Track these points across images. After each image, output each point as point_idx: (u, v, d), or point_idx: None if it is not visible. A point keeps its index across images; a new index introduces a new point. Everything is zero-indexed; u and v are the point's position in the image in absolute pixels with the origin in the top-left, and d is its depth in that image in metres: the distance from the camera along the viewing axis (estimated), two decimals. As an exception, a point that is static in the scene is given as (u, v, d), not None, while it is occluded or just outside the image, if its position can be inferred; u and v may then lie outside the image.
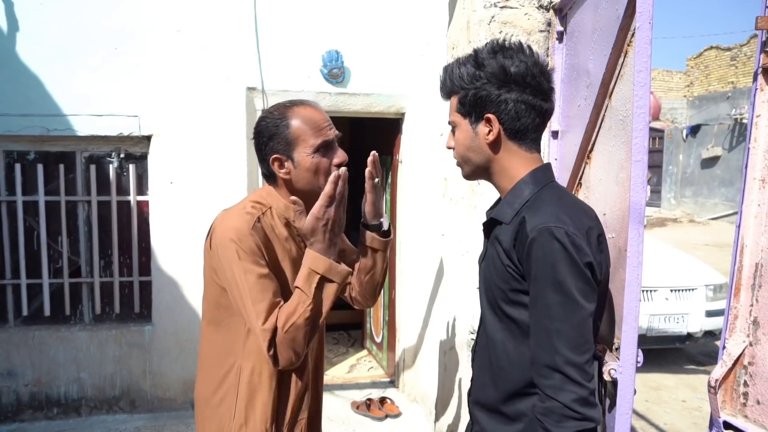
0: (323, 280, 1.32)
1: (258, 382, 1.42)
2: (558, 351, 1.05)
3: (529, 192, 1.18)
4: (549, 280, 1.06)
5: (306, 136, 1.40)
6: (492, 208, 1.33)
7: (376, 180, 1.55)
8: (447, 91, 1.26)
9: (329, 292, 1.34)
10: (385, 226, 1.61)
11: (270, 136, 1.42)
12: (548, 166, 1.25)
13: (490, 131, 1.19)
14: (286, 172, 1.43)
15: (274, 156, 1.42)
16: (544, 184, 1.19)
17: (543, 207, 1.13)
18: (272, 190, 1.48)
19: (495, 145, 1.20)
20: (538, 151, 1.24)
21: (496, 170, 1.23)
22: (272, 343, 1.31)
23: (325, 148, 1.42)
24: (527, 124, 1.18)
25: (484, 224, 1.29)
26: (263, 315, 1.31)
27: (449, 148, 1.30)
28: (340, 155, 1.46)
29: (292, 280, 1.41)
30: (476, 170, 1.26)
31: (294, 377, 1.46)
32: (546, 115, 1.22)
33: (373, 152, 1.54)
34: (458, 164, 1.30)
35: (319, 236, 1.33)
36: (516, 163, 1.21)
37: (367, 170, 1.52)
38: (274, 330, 1.31)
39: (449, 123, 1.28)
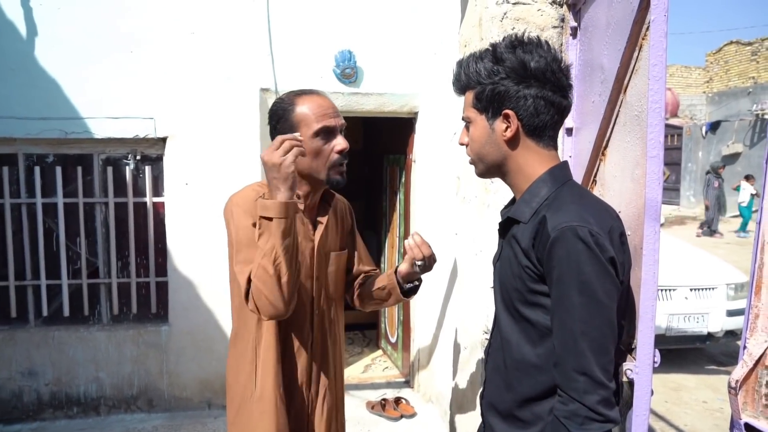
0: (263, 220, 1.35)
1: (269, 352, 1.50)
2: (584, 353, 1.03)
3: (547, 190, 1.15)
4: (574, 280, 1.03)
5: (308, 121, 1.47)
6: (507, 207, 1.30)
7: (419, 263, 1.59)
8: (461, 87, 1.23)
9: (272, 228, 1.34)
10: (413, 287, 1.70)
11: (278, 119, 1.52)
12: (566, 164, 1.22)
13: (507, 127, 1.16)
14: None
15: None
16: (563, 183, 1.17)
17: (564, 206, 1.09)
18: None
19: (512, 142, 1.17)
20: (555, 148, 1.21)
21: (512, 168, 1.20)
22: (248, 293, 1.38)
23: (326, 134, 1.48)
24: (546, 120, 1.15)
25: (500, 224, 1.26)
26: (244, 267, 1.40)
27: (462, 144, 1.27)
28: (341, 142, 1.50)
29: None
30: (491, 168, 1.23)
31: (294, 352, 1.54)
32: (564, 112, 1.19)
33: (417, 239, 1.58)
34: (472, 162, 1.26)
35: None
36: (533, 161, 1.18)
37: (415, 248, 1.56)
38: (249, 280, 1.38)
39: (463, 119, 1.25)
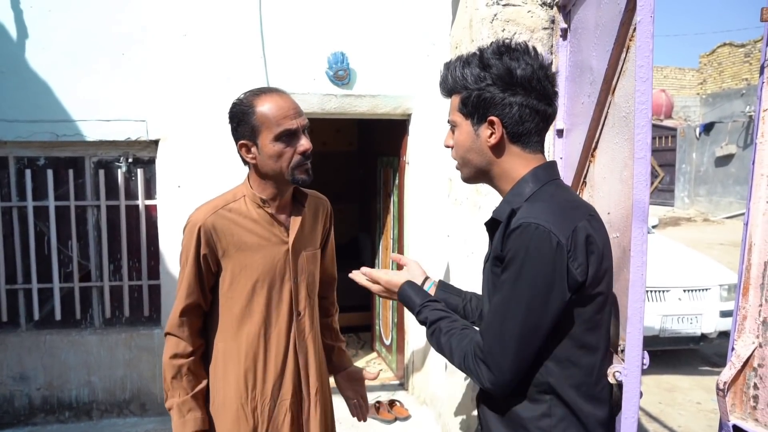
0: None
1: (228, 360, 1.54)
2: (495, 337, 1.10)
3: (529, 190, 1.16)
4: (513, 274, 1.07)
5: (269, 124, 1.46)
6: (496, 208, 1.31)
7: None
8: (448, 89, 1.23)
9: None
10: None
11: (238, 122, 1.51)
12: (551, 164, 1.22)
13: (492, 134, 1.16)
14: (252, 157, 1.52)
15: (242, 142, 1.51)
16: (545, 182, 1.17)
17: (533, 204, 1.11)
18: (248, 179, 1.59)
19: (497, 148, 1.18)
20: (542, 152, 1.22)
21: (497, 173, 1.21)
22: (168, 334, 1.53)
23: (287, 137, 1.47)
24: (530, 128, 1.16)
25: (487, 225, 1.26)
26: (175, 309, 1.52)
27: (447, 147, 1.27)
28: (304, 143, 1.49)
29: (258, 257, 1.54)
30: (476, 173, 1.24)
31: (263, 358, 1.56)
32: (549, 119, 1.20)
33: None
34: (457, 167, 1.27)
35: None
36: (518, 165, 1.18)
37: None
38: (171, 328, 1.53)
39: (449, 122, 1.25)
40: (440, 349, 1.25)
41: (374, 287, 1.50)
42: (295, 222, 1.59)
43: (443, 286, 1.58)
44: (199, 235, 1.50)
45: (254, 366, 1.53)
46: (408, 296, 1.39)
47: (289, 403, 1.57)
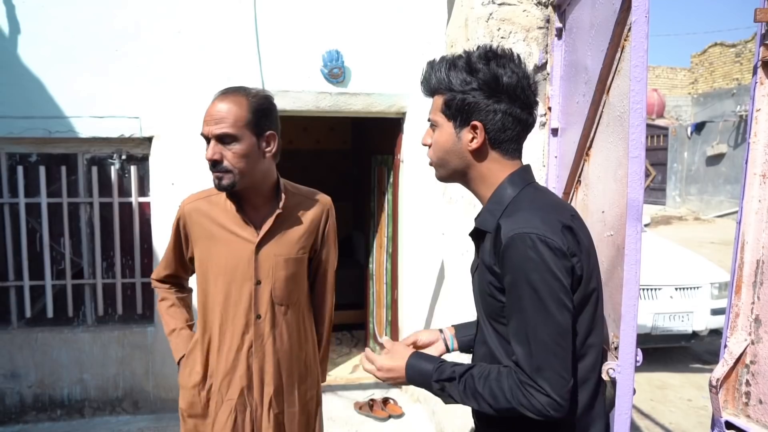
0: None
1: (197, 341, 1.63)
2: (535, 357, 1.03)
3: (507, 196, 1.16)
4: (524, 287, 1.04)
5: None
6: (478, 215, 1.31)
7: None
8: (431, 89, 1.23)
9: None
10: None
11: None
12: (526, 167, 1.22)
13: (474, 138, 1.16)
14: None
15: None
16: (522, 186, 1.17)
17: (516, 212, 1.11)
18: None
19: (477, 153, 1.18)
20: (519, 158, 1.23)
21: (474, 177, 1.21)
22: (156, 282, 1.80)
23: (205, 140, 1.55)
24: (511, 135, 1.17)
25: (471, 234, 1.26)
26: (156, 272, 1.80)
27: (425, 145, 1.27)
28: (207, 151, 1.54)
29: (223, 250, 1.58)
30: (453, 174, 1.24)
31: (216, 351, 1.60)
32: (529, 127, 1.21)
33: None
34: (433, 164, 1.27)
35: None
36: (496, 170, 1.19)
37: None
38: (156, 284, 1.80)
39: (429, 120, 1.25)
40: (477, 397, 1.11)
41: (378, 374, 1.31)
42: (267, 223, 1.56)
43: (459, 327, 1.48)
44: (179, 218, 1.66)
45: (210, 356, 1.60)
46: (418, 369, 1.21)
47: (234, 404, 1.56)
